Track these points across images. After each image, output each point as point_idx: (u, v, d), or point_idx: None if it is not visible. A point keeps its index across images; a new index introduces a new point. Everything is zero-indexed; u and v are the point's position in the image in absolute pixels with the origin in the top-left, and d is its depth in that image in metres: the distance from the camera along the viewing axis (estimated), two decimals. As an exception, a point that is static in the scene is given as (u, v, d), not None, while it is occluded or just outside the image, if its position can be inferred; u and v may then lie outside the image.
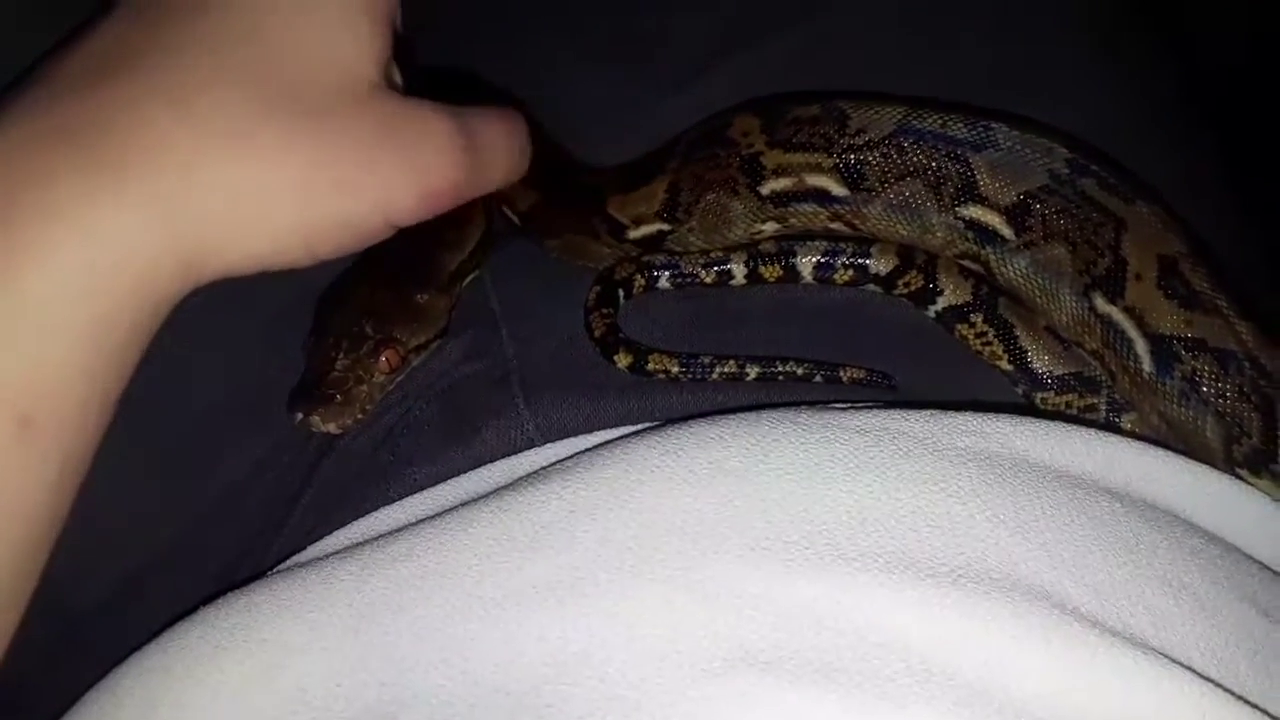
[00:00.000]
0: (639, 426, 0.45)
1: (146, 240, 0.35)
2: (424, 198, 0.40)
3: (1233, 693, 0.32)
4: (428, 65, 0.67)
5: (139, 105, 0.35)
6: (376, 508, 0.46)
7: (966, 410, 0.41)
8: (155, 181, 0.35)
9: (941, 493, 0.36)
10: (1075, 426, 0.40)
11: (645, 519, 0.36)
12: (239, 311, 0.52)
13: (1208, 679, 0.32)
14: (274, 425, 0.51)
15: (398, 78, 0.46)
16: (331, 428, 0.49)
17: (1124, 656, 0.31)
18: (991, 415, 0.40)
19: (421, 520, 0.42)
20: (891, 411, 0.40)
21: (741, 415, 0.41)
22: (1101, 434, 0.40)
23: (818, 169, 0.50)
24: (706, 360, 0.48)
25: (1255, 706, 0.32)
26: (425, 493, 0.46)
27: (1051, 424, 0.40)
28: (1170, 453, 0.42)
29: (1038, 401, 0.50)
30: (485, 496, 0.40)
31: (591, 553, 0.36)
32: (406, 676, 0.34)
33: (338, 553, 0.41)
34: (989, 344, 0.50)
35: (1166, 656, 0.32)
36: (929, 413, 0.40)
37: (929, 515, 0.35)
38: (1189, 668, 0.32)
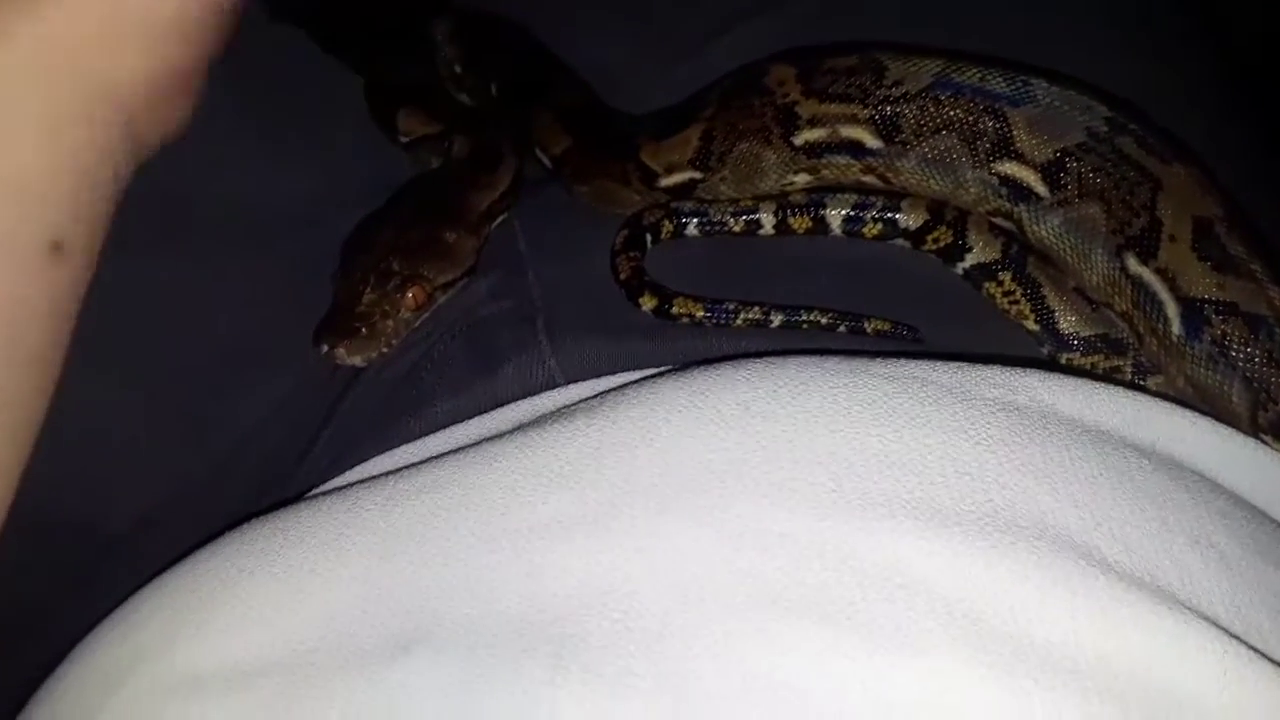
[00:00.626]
0: (664, 369, 0.45)
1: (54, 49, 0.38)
2: None
3: (1255, 649, 0.32)
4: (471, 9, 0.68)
5: None
6: (399, 443, 0.46)
7: (994, 364, 0.40)
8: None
9: (970, 440, 0.36)
10: (1101, 384, 0.40)
11: (671, 457, 0.36)
12: (261, 256, 0.53)
13: (1231, 634, 0.32)
14: (296, 365, 0.52)
15: None
16: (356, 360, 0.50)
17: (1149, 610, 0.31)
18: (1019, 369, 0.40)
19: (446, 454, 0.42)
20: (920, 361, 0.40)
21: (769, 358, 0.41)
22: (1129, 391, 0.40)
23: (853, 120, 0.49)
24: (731, 306, 0.48)
25: (1277, 663, 0.32)
26: (448, 430, 0.46)
27: (1080, 379, 0.40)
28: (1198, 414, 0.41)
29: (1063, 362, 0.50)
30: (510, 432, 0.41)
31: (617, 489, 0.36)
32: (431, 605, 0.34)
33: (363, 482, 0.42)
34: (1016, 303, 0.50)
35: (1192, 610, 0.32)
36: (956, 364, 0.40)
37: (957, 462, 0.35)
38: (1213, 623, 0.32)
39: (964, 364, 0.40)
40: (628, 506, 0.35)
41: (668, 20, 0.60)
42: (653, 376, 0.42)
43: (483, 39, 0.66)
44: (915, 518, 0.33)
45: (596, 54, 0.61)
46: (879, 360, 0.40)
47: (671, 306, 0.48)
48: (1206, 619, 0.32)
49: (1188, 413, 0.41)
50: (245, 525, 0.41)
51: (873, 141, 0.50)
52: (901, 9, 0.55)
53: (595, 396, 0.42)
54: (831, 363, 0.40)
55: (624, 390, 0.41)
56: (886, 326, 0.48)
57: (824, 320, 0.48)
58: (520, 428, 0.41)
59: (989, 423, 0.36)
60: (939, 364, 0.40)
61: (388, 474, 0.41)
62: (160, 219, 0.51)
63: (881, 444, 0.35)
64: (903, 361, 0.40)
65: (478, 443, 0.41)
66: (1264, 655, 0.32)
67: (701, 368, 0.41)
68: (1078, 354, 0.49)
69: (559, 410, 0.42)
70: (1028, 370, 0.40)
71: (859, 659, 0.31)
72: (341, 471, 0.47)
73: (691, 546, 0.34)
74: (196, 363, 0.52)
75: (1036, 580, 0.32)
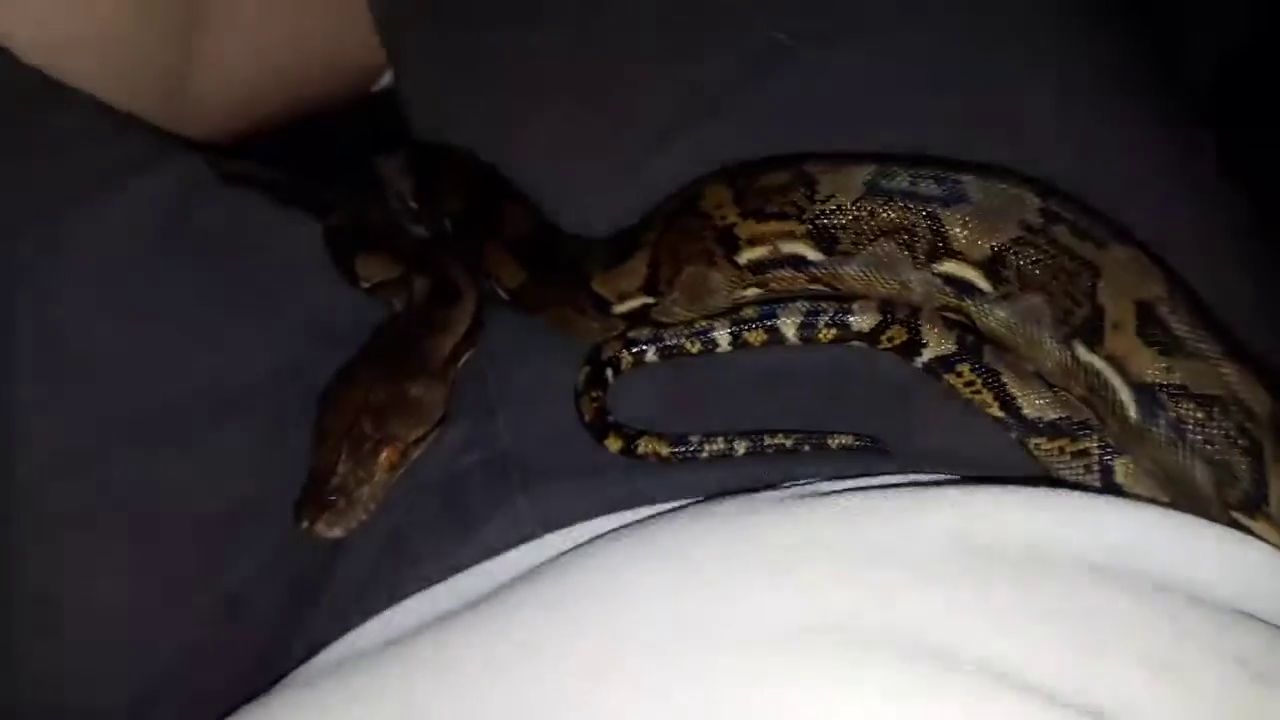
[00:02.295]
0: (633, 517, 0.46)
1: None
2: None
3: None
4: (410, 135, 0.69)
5: None
6: (387, 606, 0.48)
7: (948, 484, 0.41)
8: None
9: (916, 577, 0.37)
10: (1061, 493, 0.41)
11: (615, 632, 0.38)
12: (234, 422, 0.54)
13: None
14: (276, 529, 0.53)
15: None
16: (337, 532, 0.51)
17: None
18: (973, 489, 0.41)
19: (422, 629, 0.43)
20: (869, 494, 0.41)
21: (726, 505, 0.42)
22: (1087, 499, 0.41)
23: (790, 236, 0.50)
24: (695, 440, 0.49)
25: None
26: (431, 591, 0.47)
27: (1035, 493, 0.40)
28: (1162, 509, 0.42)
29: (1031, 446, 0.50)
30: (476, 609, 0.42)
31: (568, 667, 0.38)
32: None
33: (355, 655, 0.43)
34: (978, 392, 0.50)
35: None
36: (906, 491, 0.40)
37: (907, 607, 0.36)
38: None
39: (915, 490, 0.41)
40: (577, 682, 0.37)
41: (619, 121, 0.61)
42: (612, 535, 0.43)
43: (434, 170, 0.67)
44: (869, 667, 0.35)
45: (543, 170, 0.61)
46: (830, 499, 0.41)
47: (637, 447, 0.49)
48: None
49: (1150, 510, 0.41)
50: (241, 710, 0.42)
51: (814, 254, 0.50)
52: (830, 106, 0.55)
53: (559, 556, 0.43)
54: (782, 509, 0.41)
55: (580, 558, 0.43)
56: (848, 440, 0.48)
57: (789, 443, 0.48)
58: (488, 600, 0.43)
59: (933, 561, 0.38)
60: (889, 493, 0.41)
61: (374, 648, 0.43)
62: (134, 408, 0.53)
63: (828, 601, 0.37)
64: (852, 498, 0.41)
65: (459, 610, 0.43)
66: None
67: (660, 523, 0.42)
68: (1044, 438, 0.50)
69: (522, 580, 0.43)
70: (981, 489, 0.41)
71: None
72: (332, 640, 0.49)
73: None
74: (187, 528, 0.53)
75: (969, 709, 0.33)
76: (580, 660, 0.38)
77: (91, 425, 0.51)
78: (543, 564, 0.44)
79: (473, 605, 0.43)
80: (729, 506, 0.42)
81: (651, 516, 0.44)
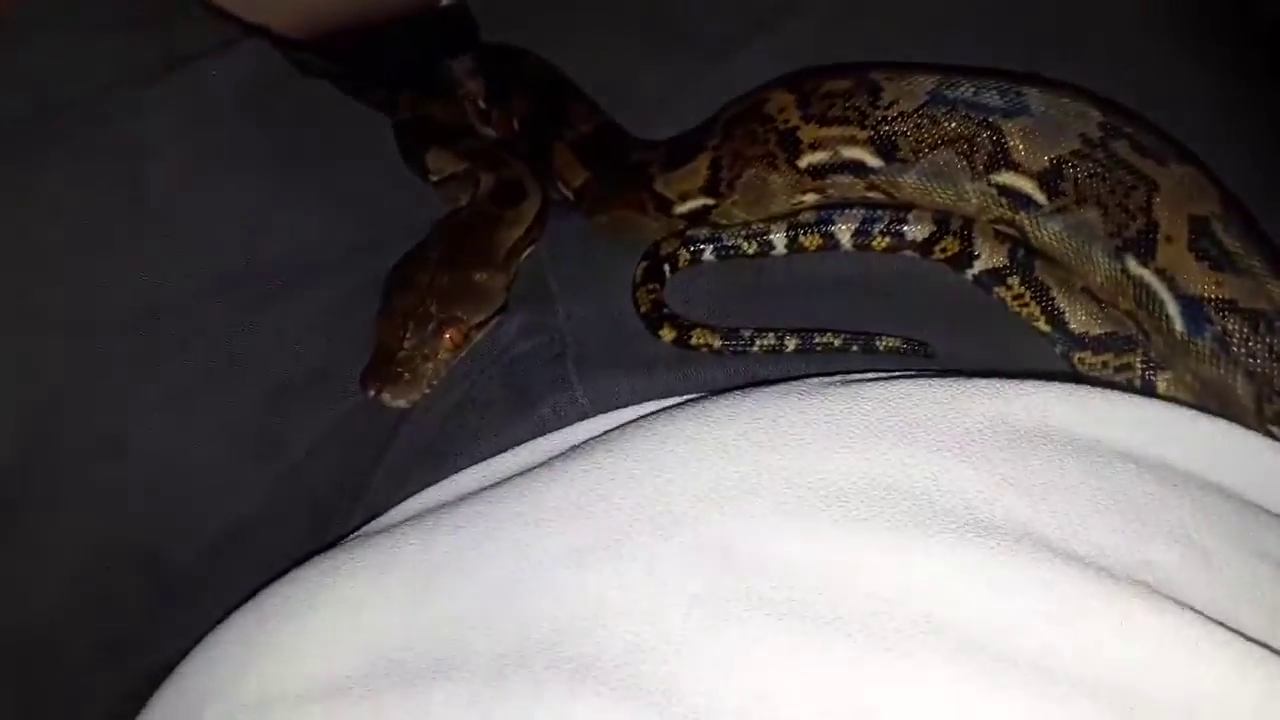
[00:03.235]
0: (684, 398, 0.48)
1: None
2: None
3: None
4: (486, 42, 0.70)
5: None
6: (444, 477, 0.50)
7: (993, 377, 0.42)
8: None
9: (954, 457, 0.38)
10: (1099, 390, 0.42)
11: (676, 486, 0.39)
12: (313, 293, 0.57)
13: (1207, 620, 0.34)
14: (351, 393, 0.55)
15: None
16: (401, 403, 0.53)
17: (1120, 604, 0.34)
18: (1014, 381, 0.42)
19: (483, 489, 0.45)
20: (917, 380, 0.42)
21: (775, 387, 0.43)
22: (1124, 397, 0.42)
23: (852, 141, 0.51)
24: (747, 334, 0.50)
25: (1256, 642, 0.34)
26: (486, 463, 0.49)
27: (1074, 389, 0.42)
28: (1198, 413, 0.43)
29: (1075, 361, 0.51)
30: (537, 467, 0.44)
31: (628, 517, 0.39)
32: (470, 634, 0.38)
33: (407, 520, 0.46)
34: (1026, 305, 0.52)
35: (1171, 600, 0.34)
36: (950, 380, 0.42)
37: (942, 479, 0.38)
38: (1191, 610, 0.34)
39: (959, 379, 0.42)
40: (637, 533, 0.39)
41: (682, 30, 0.62)
42: (668, 408, 0.45)
43: (503, 73, 0.68)
44: (899, 531, 0.36)
45: (610, 68, 0.63)
46: (878, 383, 0.42)
47: (690, 338, 0.51)
48: (1184, 607, 0.34)
49: (1186, 413, 0.42)
50: (308, 562, 0.45)
51: (873, 161, 0.51)
52: (901, 24, 0.56)
53: (616, 429, 0.45)
54: (831, 388, 0.42)
55: (639, 423, 0.44)
56: (898, 344, 0.50)
57: (837, 342, 0.50)
58: (548, 461, 0.45)
59: (975, 440, 0.39)
60: (934, 381, 0.42)
61: (429, 511, 0.45)
62: (213, 269, 0.55)
63: (869, 465, 0.38)
64: (899, 382, 0.42)
65: (512, 476, 0.45)
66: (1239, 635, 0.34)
67: (712, 399, 0.44)
68: (1089, 352, 0.51)
69: (582, 444, 0.45)
70: (1023, 382, 0.42)
71: (846, 666, 0.34)
72: (391, 507, 0.51)
73: (693, 568, 0.37)
74: (254, 396, 0.56)
75: (1012, 584, 0.35)
76: (625, 514, 0.39)
77: (171, 282, 0.53)
78: (594, 438, 0.46)
79: (524, 472, 0.45)
80: (778, 386, 0.43)
81: (701, 396, 0.46)
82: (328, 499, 0.55)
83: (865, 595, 0.35)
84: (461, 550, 0.41)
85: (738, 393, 0.44)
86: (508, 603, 0.39)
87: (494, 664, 0.37)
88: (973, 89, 0.49)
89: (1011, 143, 0.49)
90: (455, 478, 0.50)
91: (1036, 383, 0.42)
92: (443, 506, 0.45)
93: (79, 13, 0.56)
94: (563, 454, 0.45)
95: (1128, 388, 0.49)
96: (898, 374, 0.45)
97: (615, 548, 0.38)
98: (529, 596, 0.38)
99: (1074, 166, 0.48)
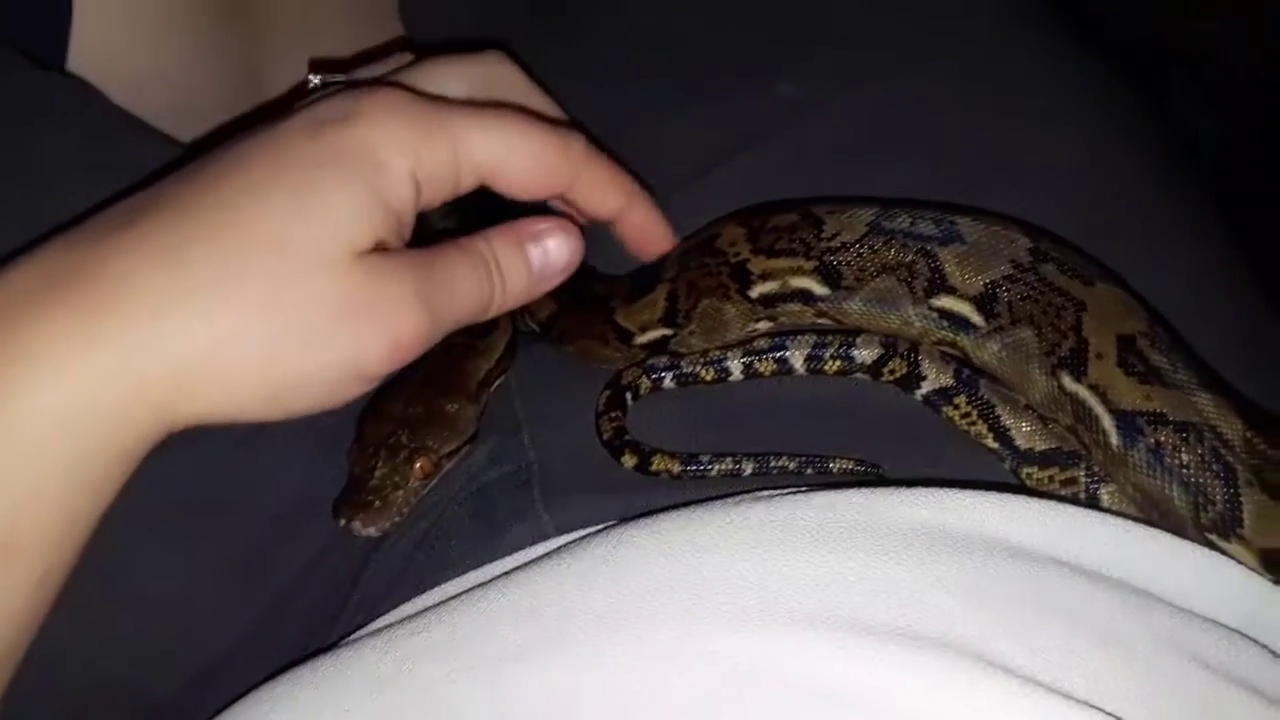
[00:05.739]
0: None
1: (114, 383, 0.38)
2: (393, 350, 0.43)
3: None
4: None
5: (127, 256, 0.39)
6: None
7: (934, 487, 0.44)
8: (124, 328, 0.38)
9: (890, 561, 0.40)
10: (1034, 499, 0.44)
11: (623, 585, 0.41)
12: (296, 429, 0.59)
13: None
14: (323, 529, 0.57)
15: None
16: (372, 531, 0.55)
17: (1047, 706, 0.34)
18: (951, 490, 0.44)
19: (443, 601, 0.47)
20: (858, 491, 0.44)
21: (723, 500, 0.45)
22: (1059, 506, 0.43)
23: (799, 271, 0.54)
24: (705, 459, 0.52)
25: None
26: (452, 582, 0.51)
27: (1009, 497, 0.43)
28: (1132, 522, 0.44)
29: (1023, 475, 0.53)
30: (498, 576, 0.45)
31: (574, 614, 0.41)
32: None
33: (372, 632, 0.47)
34: (974, 423, 0.53)
35: (1093, 707, 0.35)
36: (892, 490, 0.43)
37: (875, 581, 0.39)
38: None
39: (899, 489, 0.44)
40: (581, 629, 0.40)
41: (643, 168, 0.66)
42: (625, 520, 0.46)
43: (476, 201, 0.72)
44: (834, 630, 0.38)
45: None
46: (823, 492, 0.44)
47: (651, 464, 0.53)
48: (1109, 715, 0.35)
49: (1120, 522, 0.44)
50: (277, 678, 0.46)
51: (820, 289, 0.54)
52: (837, 153, 0.60)
53: (574, 540, 0.47)
54: (778, 498, 0.44)
55: (596, 532, 0.45)
56: (850, 465, 0.51)
57: (792, 465, 0.52)
58: (507, 571, 0.46)
59: (910, 544, 0.40)
60: (876, 491, 0.44)
61: (391, 624, 0.47)
62: None
63: (808, 569, 0.40)
64: (841, 492, 0.44)
65: (472, 587, 0.46)
66: None
67: (665, 511, 0.45)
68: (1036, 467, 0.52)
69: (542, 554, 0.46)
70: (960, 491, 0.44)
71: None
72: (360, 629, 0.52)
73: (635, 663, 0.39)
74: (235, 531, 0.57)
75: (940, 681, 0.36)
76: (573, 614, 0.40)
77: None
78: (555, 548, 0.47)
79: (485, 582, 0.47)
80: (726, 500, 0.45)
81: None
82: (311, 628, 0.56)
83: (799, 692, 0.36)
84: (415, 655, 0.42)
85: (688, 505, 0.46)
86: (456, 702, 0.40)
87: None
88: (909, 219, 0.53)
89: (948, 269, 0.52)
90: (418, 598, 0.51)
91: (972, 491, 0.43)
92: (404, 619, 0.46)
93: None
94: (523, 564, 0.47)
95: (1070, 500, 0.50)
96: (843, 485, 0.47)
97: (559, 643, 0.40)
98: (476, 694, 0.40)
99: (1006, 290, 0.51)
